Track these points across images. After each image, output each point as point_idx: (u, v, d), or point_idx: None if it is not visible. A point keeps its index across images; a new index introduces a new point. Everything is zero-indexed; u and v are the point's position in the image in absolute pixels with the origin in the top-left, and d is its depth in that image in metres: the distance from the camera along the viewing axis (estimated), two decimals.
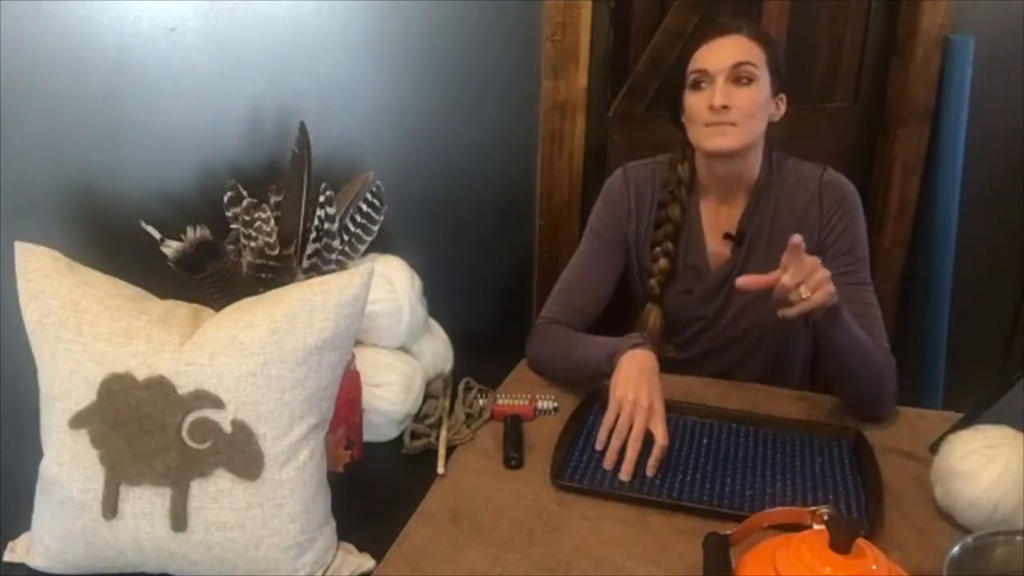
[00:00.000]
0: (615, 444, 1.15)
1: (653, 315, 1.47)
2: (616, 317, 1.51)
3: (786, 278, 1.11)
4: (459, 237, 1.75)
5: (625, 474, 1.13)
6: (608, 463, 1.15)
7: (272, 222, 1.17)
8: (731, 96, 1.29)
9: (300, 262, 1.19)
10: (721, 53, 1.30)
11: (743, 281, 1.15)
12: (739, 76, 1.29)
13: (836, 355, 1.24)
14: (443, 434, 1.22)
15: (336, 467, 1.13)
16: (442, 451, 1.18)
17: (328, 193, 1.18)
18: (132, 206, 1.21)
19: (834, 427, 1.25)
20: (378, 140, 1.55)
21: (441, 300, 1.41)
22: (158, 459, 0.88)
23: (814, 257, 1.13)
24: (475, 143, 1.71)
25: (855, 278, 1.35)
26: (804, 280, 1.10)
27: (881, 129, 2.01)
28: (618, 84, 1.88)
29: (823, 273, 1.12)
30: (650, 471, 1.13)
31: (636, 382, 1.18)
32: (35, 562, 0.95)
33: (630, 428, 1.15)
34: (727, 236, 1.43)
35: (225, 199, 1.20)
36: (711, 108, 1.29)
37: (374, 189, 1.30)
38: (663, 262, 1.44)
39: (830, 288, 1.13)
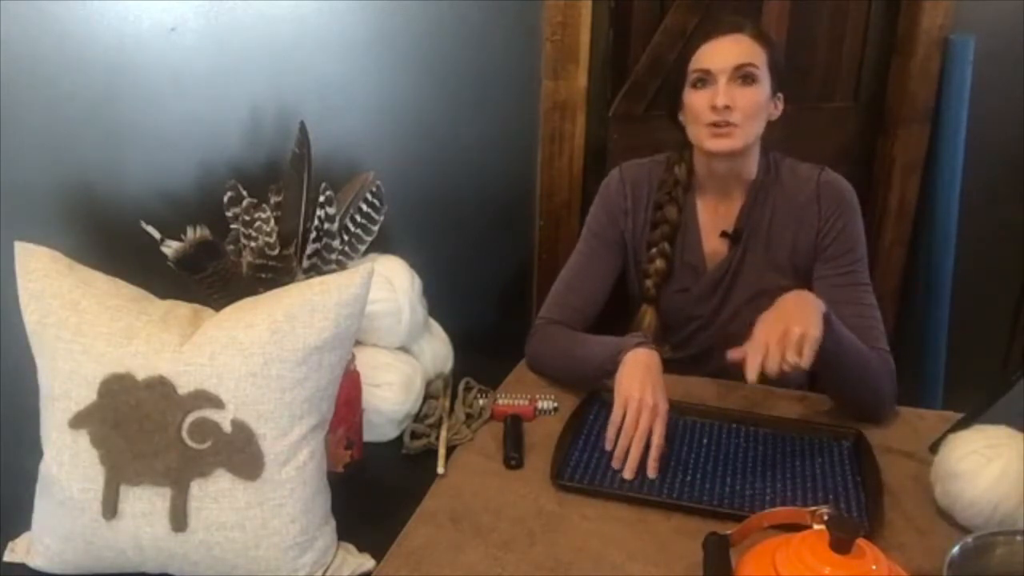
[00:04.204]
0: (624, 443, 1.15)
1: (648, 316, 1.47)
2: (615, 317, 1.51)
3: (765, 368, 1.09)
4: (459, 237, 1.75)
5: (629, 472, 1.13)
6: (617, 462, 1.15)
7: (272, 222, 1.16)
8: (734, 96, 1.28)
9: (300, 262, 1.19)
10: (724, 53, 1.30)
11: (734, 354, 1.14)
12: (742, 76, 1.29)
13: (829, 361, 1.20)
14: (443, 434, 1.22)
15: (336, 467, 1.13)
16: (442, 451, 1.18)
17: (328, 193, 1.18)
18: (132, 206, 1.21)
19: (834, 427, 1.25)
20: (378, 140, 1.55)
21: (441, 300, 1.41)
22: (158, 459, 0.88)
23: (769, 325, 1.12)
24: (475, 143, 1.70)
25: (853, 279, 1.34)
26: (781, 354, 1.09)
27: (881, 129, 2.01)
28: (618, 84, 1.88)
29: (796, 329, 1.10)
30: (651, 471, 1.13)
31: (642, 380, 1.19)
32: (35, 562, 0.95)
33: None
34: (724, 234, 1.43)
35: (225, 199, 1.20)
36: (714, 108, 1.29)
37: (374, 189, 1.30)
38: (659, 263, 1.44)
39: (815, 333, 1.10)
